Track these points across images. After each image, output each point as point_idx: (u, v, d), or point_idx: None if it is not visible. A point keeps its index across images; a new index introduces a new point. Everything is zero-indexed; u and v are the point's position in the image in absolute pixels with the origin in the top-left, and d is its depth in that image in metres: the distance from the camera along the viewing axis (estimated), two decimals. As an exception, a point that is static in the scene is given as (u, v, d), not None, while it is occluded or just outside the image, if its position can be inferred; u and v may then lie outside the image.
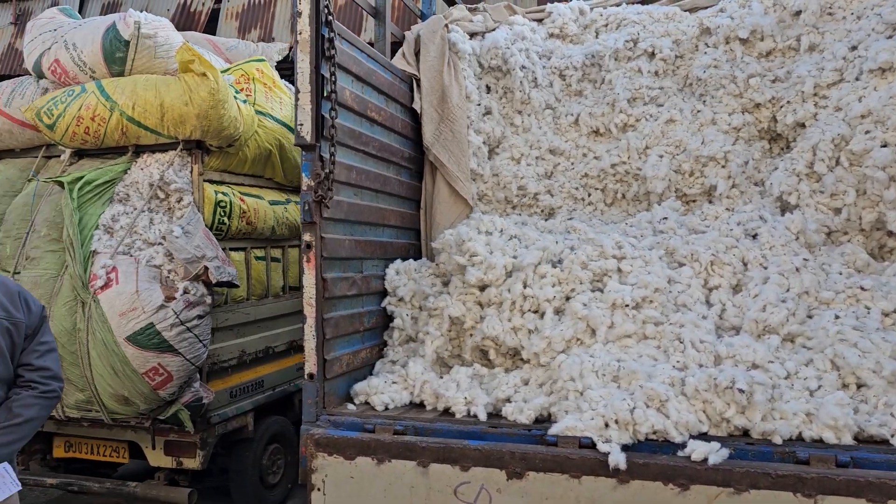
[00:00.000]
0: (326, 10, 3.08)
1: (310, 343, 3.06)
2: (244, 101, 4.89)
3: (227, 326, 4.74)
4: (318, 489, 2.91)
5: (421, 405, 3.34)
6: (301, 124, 3.04)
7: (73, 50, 4.74)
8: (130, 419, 4.36)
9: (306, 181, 3.08)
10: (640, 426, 2.74)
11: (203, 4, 10.79)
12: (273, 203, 5.26)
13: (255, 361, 5.13)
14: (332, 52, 3.13)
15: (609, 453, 2.68)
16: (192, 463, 4.56)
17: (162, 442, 4.57)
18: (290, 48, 6.55)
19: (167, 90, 4.44)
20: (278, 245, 5.46)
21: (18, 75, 11.80)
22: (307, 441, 2.94)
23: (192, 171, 4.52)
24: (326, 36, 3.11)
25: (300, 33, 3.03)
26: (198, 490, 4.63)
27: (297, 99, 3.05)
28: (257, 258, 5.23)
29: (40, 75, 4.99)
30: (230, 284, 4.40)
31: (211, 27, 10.64)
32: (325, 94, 3.13)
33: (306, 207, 3.07)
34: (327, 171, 3.07)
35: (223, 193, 4.74)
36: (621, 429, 2.76)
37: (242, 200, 4.91)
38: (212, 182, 4.69)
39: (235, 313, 4.88)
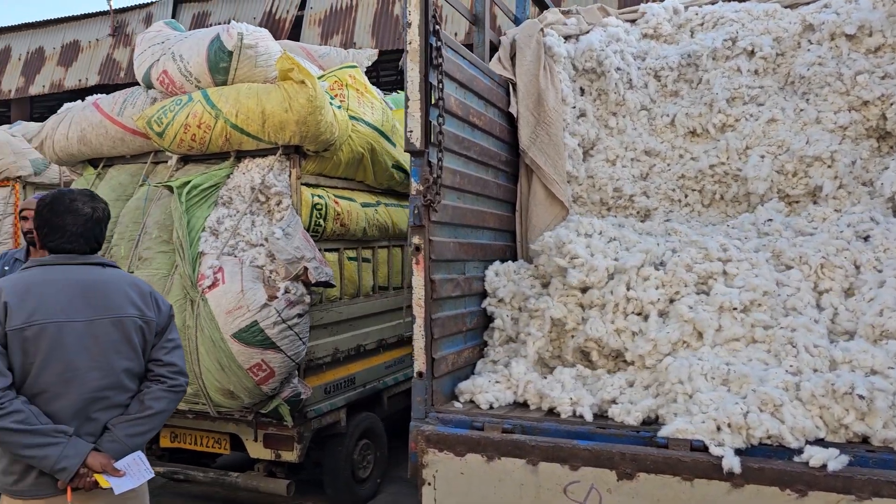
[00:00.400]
0: (434, 21, 3.17)
1: (419, 342, 3.15)
2: (338, 107, 5.02)
3: (321, 325, 4.87)
4: (429, 484, 2.99)
5: (524, 405, 3.39)
6: (411, 131, 3.13)
7: (180, 61, 4.93)
8: (234, 412, 4.53)
9: (415, 186, 3.17)
10: (754, 430, 2.72)
11: (287, 12, 11.10)
12: (364, 205, 5.39)
13: (348, 359, 5.27)
14: (440, 60, 3.21)
15: (723, 457, 2.68)
16: (289, 456, 4.71)
17: (262, 435, 4.73)
18: (379, 53, 6.71)
19: (268, 98, 4.57)
20: (368, 246, 5.59)
21: (116, 84, 12.45)
22: (418, 437, 3.03)
23: (290, 175, 4.65)
24: (434, 45, 3.19)
25: (410, 43, 3.13)
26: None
27: (406, 107, 3.15)
28: (349, 259, 5.37)
29: (149, 86, 5.19)
30: (327, 284, 4.52)
31: (294, 33, 10.95)
32: (433, 102, 3.22)
33: (416, 211, 3.16)
34: (435, 175, 3.16)
35: (319, 196, 4.88)
36: (734, 432, 2.74)
37: (336, 203, 5.05)
38: (308, 185, 4.83)
39: (329, 312, 5.02)
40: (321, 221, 4.89)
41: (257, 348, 4.25)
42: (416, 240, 3.16)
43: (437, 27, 3.18)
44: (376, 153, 5.34)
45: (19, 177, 6.26)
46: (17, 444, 2.33)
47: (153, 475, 2.65)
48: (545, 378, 3.40)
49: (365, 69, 5.95)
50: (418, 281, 3.16)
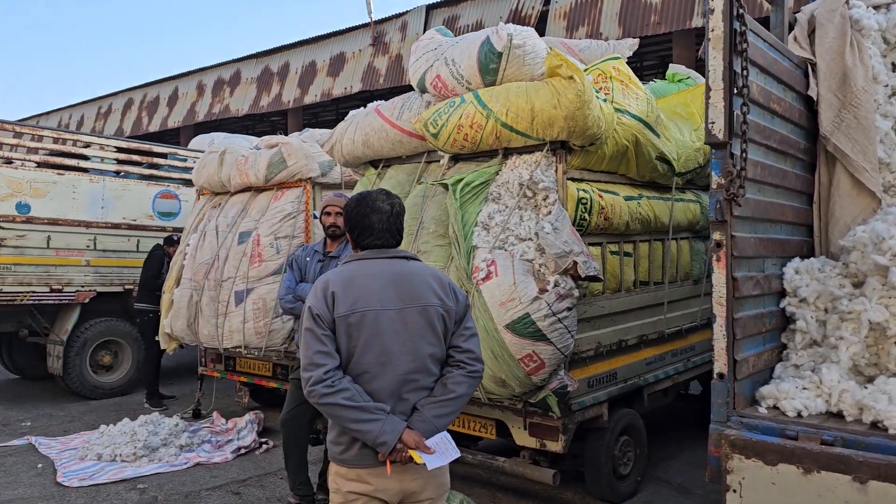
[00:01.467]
0: (738, 4, 2.99)
1: (720, 342, 3.02)
2: (604, 100, 4.98)
3: (585, 318, 4.86)
4: (734, 491, 2.85)
5: (838, 415, 3.10)
6: (713, 122, 2.99)
7: (452, 65, 5.20)
8: (504, 400, 4.70)
9: (717, 179, 3.03)
10: None
11: (533, 8, 11.24)
12: (627, 198, 5.30)
13: (609, 354, 5.24)
14: (744, 46, 3.03)
15: None
16: (554, 446, 4.78)
17: (527, 423, 4.86)
18: (639, 41, 6.53)
19: (537, 95, 4.65)
20: (630, 240, 5.50)
21: (375, 90, 13.54)
22: (721, 441, 2.91)
23: (556, 171, 4.70)
24: (738, 30, 3.02)
25: (712, 30, 2.98)
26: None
27: (708, 97, 3.02)
28: (612, 253, 5.32)
29: (423, 90, 5.54)
30: (595, 279, 4.50)
31: (540, 28, 11.04)
32: (735, 90, 3.05)
33: (717, 206, 3.02)
34: (739, 168, 2.99)
35: (583, 190, 4.89)
36: None
37: (601, 197, 5.02)
38: (573, 180, 4.85)
39: (592, 306, 5.02)
40: (586, 216, 4.90)
41: (529, 339, 4.36)
42: (717, 236, 3.02)
43: (742, 11, 3.00)
44: (640, 145, 5.23)
45: (309, 178, 7.07)
46: (344, 418, 2.58)
47: (459, 455, 2.77)
48: (865, 387, 3.07)
49: (626, 59, 5.82)
50: (719, 279, 3.01)
